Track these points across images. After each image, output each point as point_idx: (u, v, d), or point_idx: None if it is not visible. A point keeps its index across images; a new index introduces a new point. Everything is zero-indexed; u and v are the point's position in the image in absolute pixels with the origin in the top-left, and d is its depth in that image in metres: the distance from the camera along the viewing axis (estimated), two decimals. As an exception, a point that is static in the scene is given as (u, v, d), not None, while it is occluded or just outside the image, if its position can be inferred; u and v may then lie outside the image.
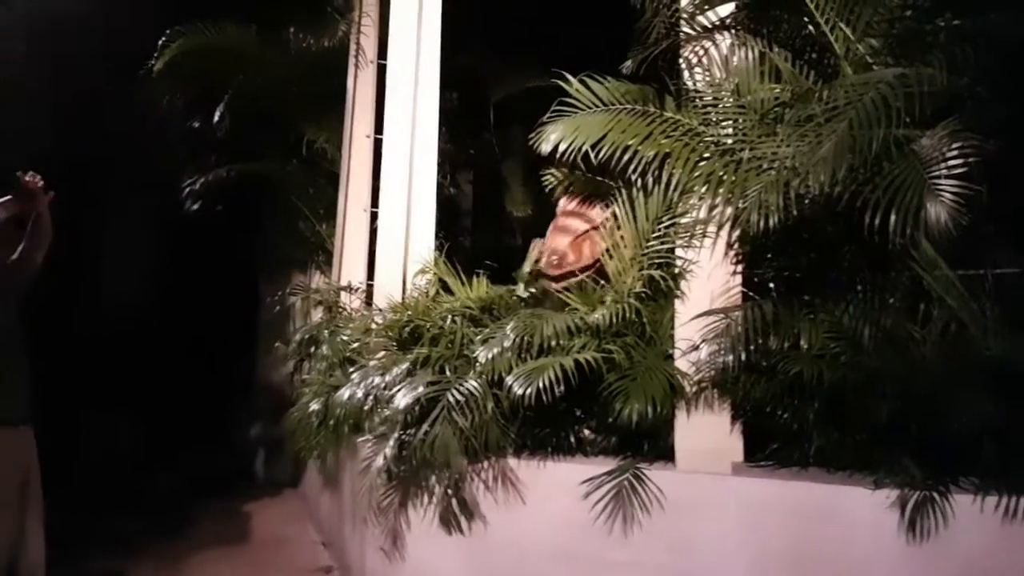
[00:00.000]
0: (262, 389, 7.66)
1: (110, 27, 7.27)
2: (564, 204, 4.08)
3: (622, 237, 3.61)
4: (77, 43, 7.04)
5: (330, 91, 6.08)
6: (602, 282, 3.69)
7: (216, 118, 6.54)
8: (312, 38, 6.40)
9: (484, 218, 8.42)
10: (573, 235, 3.85)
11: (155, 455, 7.62)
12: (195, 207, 7.05)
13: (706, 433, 3.26)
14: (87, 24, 7.24)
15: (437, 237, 5.43)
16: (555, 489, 3.39)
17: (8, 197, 3.67)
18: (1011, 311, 2.92)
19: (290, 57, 6.53)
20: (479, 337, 3.45)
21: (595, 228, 3.82)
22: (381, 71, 5.28)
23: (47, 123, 7.04)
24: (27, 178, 3.66)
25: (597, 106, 3.49)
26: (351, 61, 5.74)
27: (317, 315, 5.18)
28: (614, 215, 3.68)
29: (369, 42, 5.64)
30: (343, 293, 4.94)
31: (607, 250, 3.68)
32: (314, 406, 3.94)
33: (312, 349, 4.76)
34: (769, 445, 3.24)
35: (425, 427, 3.20)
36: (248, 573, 4.94)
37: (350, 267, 5.19)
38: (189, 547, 5.43)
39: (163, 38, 6.37)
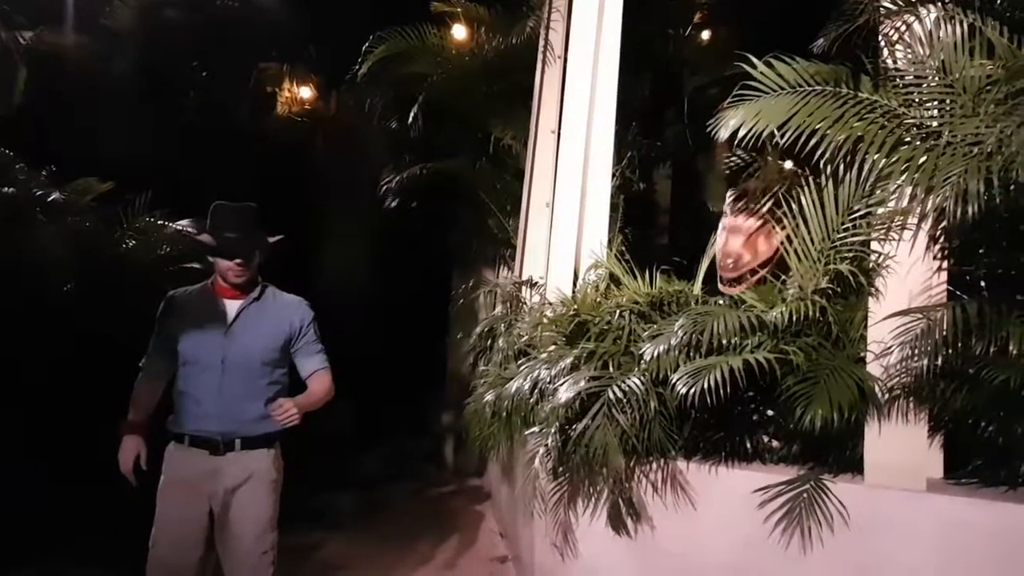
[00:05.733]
0: (453, 379, 7.91)
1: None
2: (731, 202, 3.82)
3: (807, 227, 3.33)
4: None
5: (517, 88, 6.15)
6: (783, 276, 3.43)
7: (411, 118, 6.81)
8: (500, 36, 6.51)
9: (682, 213, 8.21)
10: (746, 234, 3.67)
11: (359, 438, 8.11)
12: (393, 204, 7.42)
13: (899, 445, 2.95)
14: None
15: (622, 232, 5.33)
16: (729, 497, 3.21)
17: None
18: None
19: (479, 57, 6.68)
20: (647, 334, 3.33)
21: (766, 223, 3.63)
22: (567, 66, 5.24)
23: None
24: None
25: (783, 88, 3.24)
26: (539, 58, 5.74)
27: (499, 309, 5.25)
28: (790, 207, 3.40)
29: (557, 38, 5.59)
30: (523, 287, 4.96)
31: (786, 240, 3.41)
32: (488, 397, 3.98)
33: (489, 342, 4.83)
34: (972, 461, 2.88)
35: (585, 422, 3.14)
36: (428, 559, 5.12)
37: (532, 262, 5.20)
38: (378, 528, 5.75)
39: (367, 44, 6.73)
